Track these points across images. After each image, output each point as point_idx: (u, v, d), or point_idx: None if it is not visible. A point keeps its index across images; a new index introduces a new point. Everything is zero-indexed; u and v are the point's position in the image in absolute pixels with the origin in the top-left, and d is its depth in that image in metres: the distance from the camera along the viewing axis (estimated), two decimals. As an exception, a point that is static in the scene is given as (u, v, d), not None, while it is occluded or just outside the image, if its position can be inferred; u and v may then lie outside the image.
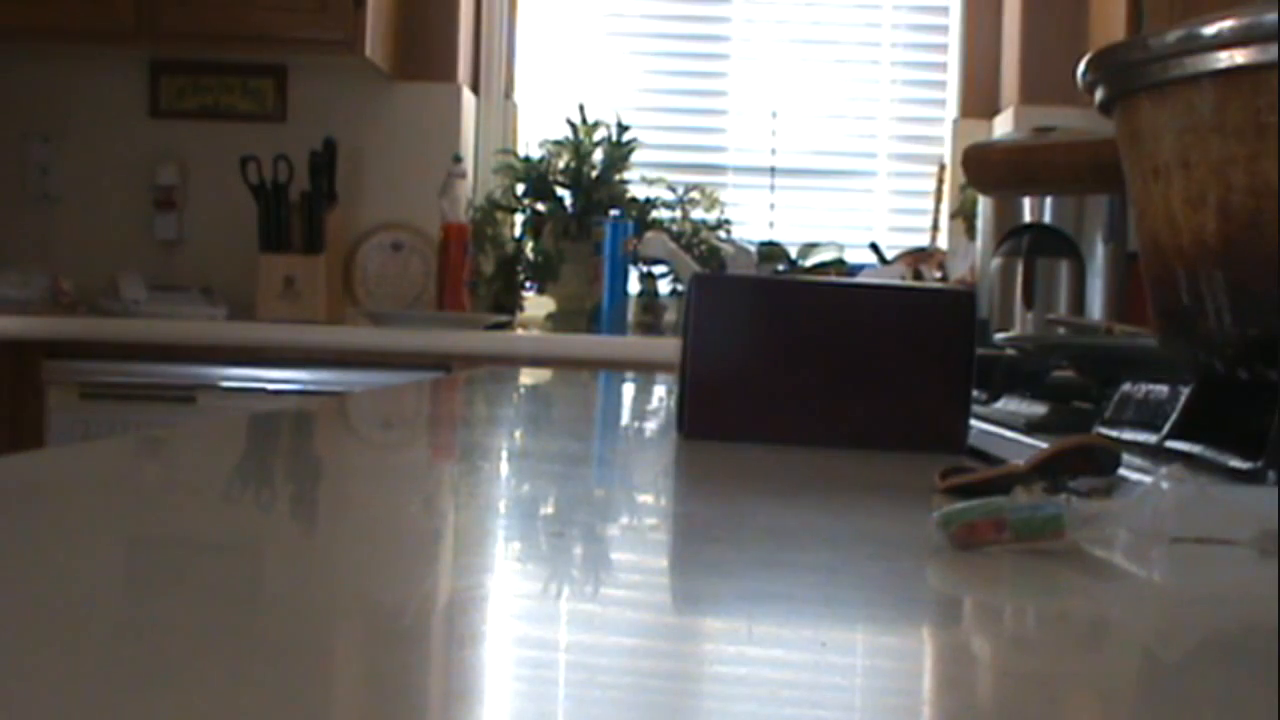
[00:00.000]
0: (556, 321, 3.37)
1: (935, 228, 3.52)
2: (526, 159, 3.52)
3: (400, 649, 0.28)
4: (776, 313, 0.82)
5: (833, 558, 0.43)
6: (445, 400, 1.26)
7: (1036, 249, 2.15)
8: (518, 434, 0.94)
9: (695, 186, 3.53)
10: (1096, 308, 2.15)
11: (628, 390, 1.60)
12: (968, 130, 3.47)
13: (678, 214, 3.48)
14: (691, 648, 0.29)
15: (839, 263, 3.44)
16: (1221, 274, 0.67)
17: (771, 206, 3.66)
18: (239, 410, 2.64)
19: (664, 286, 3.39)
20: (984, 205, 2.39)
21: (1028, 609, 0.36)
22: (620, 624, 0.32)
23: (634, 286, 3.36)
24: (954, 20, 3.65)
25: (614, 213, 3.39)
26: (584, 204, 3.41)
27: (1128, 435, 0.77)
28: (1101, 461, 0.55)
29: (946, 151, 3.58)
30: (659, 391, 1.48)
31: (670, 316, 3.35)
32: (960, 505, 0.41)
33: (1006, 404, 1.11)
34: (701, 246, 3.39)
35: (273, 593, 0.33)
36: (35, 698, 0.23)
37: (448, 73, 3.49)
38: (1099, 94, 0.76)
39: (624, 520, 0.50)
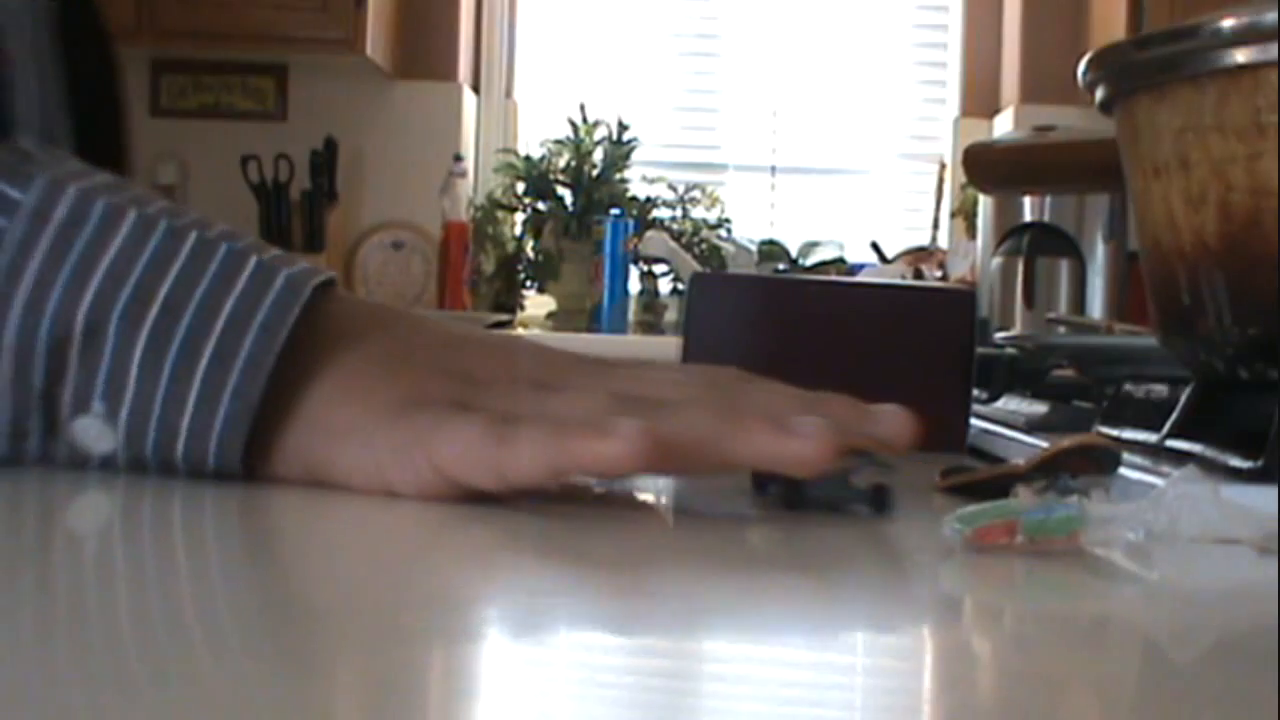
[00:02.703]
0: (557, 320, 3.37)
1: (936, 226, 3.52)
2: (527, 158, 3.52)
3: (400, 649, 0.28)
4: (777, 311, 0.82)
5: (832, 557, 0.43)
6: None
7: (1037, 248, 2.15)
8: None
9: (695, 185, 3.53)
10: (1096, 307, 2.15)
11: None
12: (968, 129, 3.46)
13: (678, 213, 3.48)
14: (691, 647, 0.29)
15: (839, 261, 3.44)
16: (1221, 274, 0.67)
17: (772, 205, 3.66)
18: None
19: (664, 285, 3.39)
20: (984, 204, 2.39)
21: (1030, 608, 0.36)
22: (620, 623, 0.32)
23: (634, 285, 3.36)
24: (954, 19, 3.65)
25: (614, 212, 3.39)
26: (584, 203, 3.41)
27: (1128, 434, 0.77)
28: (1101, 461, 0.55)
29: (947, 150, 3.58)
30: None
31: (671, 315, 3.35)
32: (973, 508, 0.41)
33: (1007, 403, 1.11)
34: (702, 245, 3.39)
35: (271, 591, 0.33)
36: (35, 699, 0.23)
37: (448, 72, 3.49)
38: (1099, 93, 0.76)
39: (623, 518, 0.50)
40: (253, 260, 0.45)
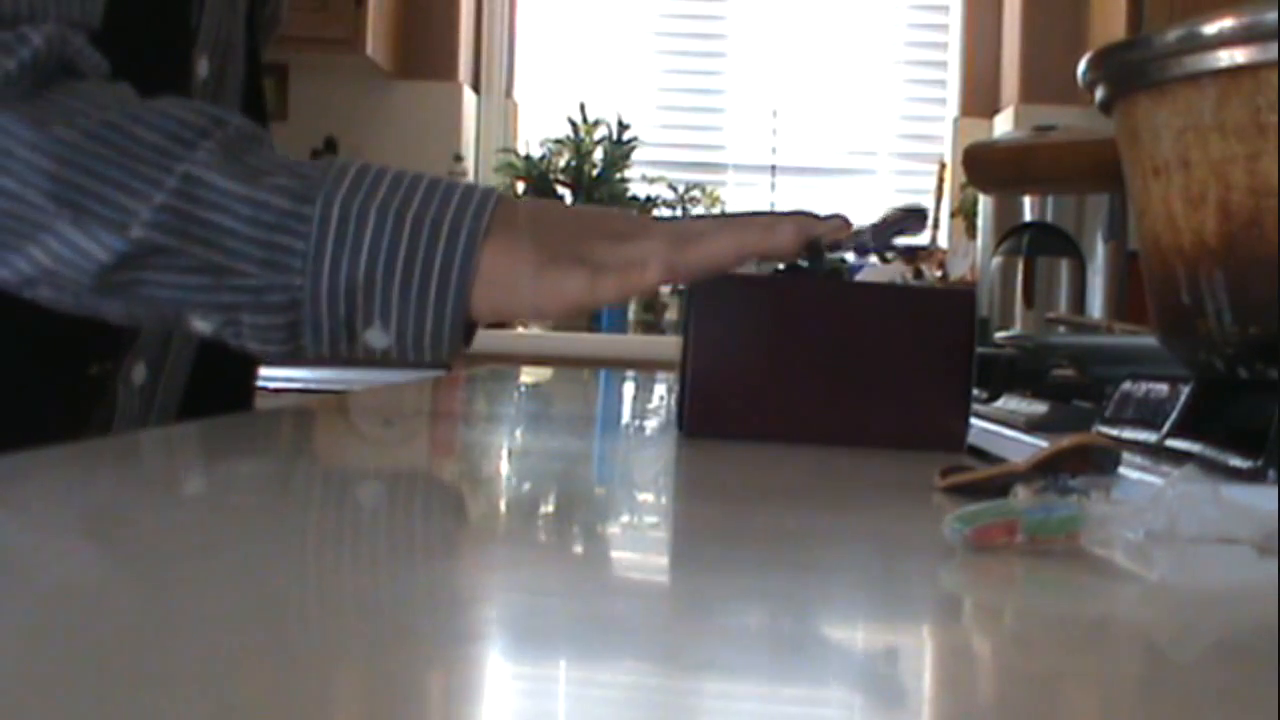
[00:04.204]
0: (557, 320, 3.37)
1: (936, 226, 3.52)
2: (527, 158, 3.52)
3: (400, 649, 0.28)
4: (777, 311, 0.82)
5: (833, 557, 0.43)
6: (446, 398, 1.26)
7: (1037, 248, 2.15)
8: (518, 432, 0.94)
9: (696, 185, 3.53)
10: (1097, 307, 2.15)
11: (628, 389, 1.60)
12: (968, 129, 3.46)
13: (678, 213, 3.48)
14: (691, 648, 0.29)
15: (840, 261, 3.44)
16: (1221, 273, 0.67)
17: (772, 205, 3.66)
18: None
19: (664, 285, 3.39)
20: (984, 204, 2.39)
21: (1030, 609, 0.36)
22: (620, 624, 0.32)
23: (634, 285, 3.35)
24: (954, 19, 3.65)
25: (614, 211, 3.39)
26: (585, 203, 3.41)
27: (1128, 434, 0.77)
28: (1101, 461, 0.55)
29: (947, 150, 3.58)
30: (659, 390, 1.48)
31: (671, 315, 3.35)
32: (974, 507, 0.41)
33: (1006, 403, 1.11)
34: (702, 245, 3.39)
35: (272, 591, 0.33)
36: (33, 697, 0.23)
37: (448, 71, 3.49)
38: (1099, 93, 0.76)
39: (624, 519, 0.50)
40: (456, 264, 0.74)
